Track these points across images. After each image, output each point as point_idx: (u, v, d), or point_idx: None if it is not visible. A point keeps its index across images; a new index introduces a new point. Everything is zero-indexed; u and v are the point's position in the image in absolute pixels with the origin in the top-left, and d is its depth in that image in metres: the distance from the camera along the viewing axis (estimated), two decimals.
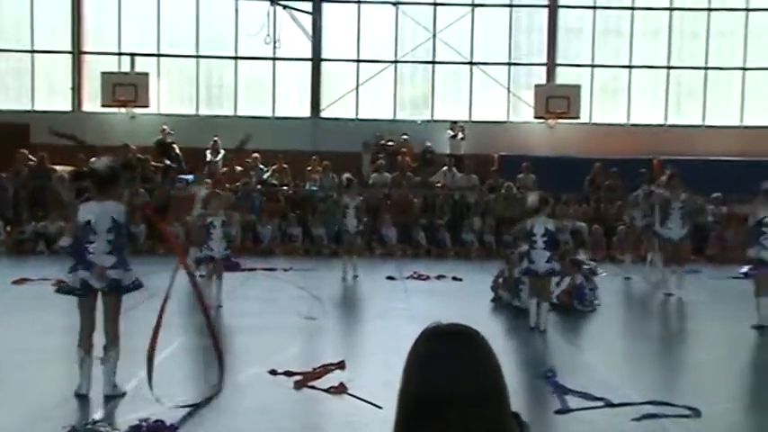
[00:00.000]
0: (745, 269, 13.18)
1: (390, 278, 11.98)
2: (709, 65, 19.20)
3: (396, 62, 19.20)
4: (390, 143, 18.23)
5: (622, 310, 10.59)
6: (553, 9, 19.07)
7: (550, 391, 5.99)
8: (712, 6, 19.07)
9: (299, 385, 5.98)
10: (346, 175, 13.14)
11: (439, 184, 17.21)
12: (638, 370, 7.15)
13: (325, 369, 6.38)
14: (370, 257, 14.75)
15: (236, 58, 19.08)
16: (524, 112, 19.03)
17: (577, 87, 18.51)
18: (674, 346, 8.37)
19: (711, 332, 8.69)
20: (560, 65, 19.22)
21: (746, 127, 19.05)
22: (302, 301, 9.88)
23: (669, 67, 19.29)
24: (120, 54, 18.88)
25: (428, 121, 19.05)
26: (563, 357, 7.43)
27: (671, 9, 19.14)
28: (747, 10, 19.04)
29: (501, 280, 10.03)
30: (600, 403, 5.62)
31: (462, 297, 10.83)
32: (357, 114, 19.21)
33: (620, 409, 5.51)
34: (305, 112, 19.20)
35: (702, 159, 17.31)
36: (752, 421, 5.72)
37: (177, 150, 17.65)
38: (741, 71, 19.18)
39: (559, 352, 7.71)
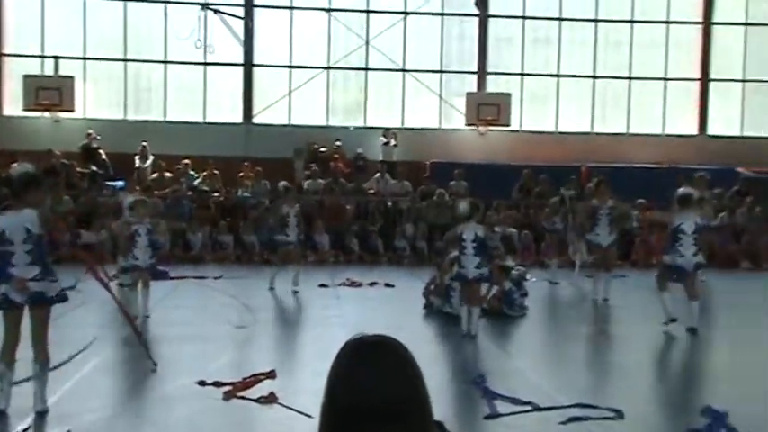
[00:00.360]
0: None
1: (323, 285, 11.93)
2: (632, 75, 19.81)
3: (328, 68, 19.19)
4: (323, 149, 18.19)
5: (551, 315, 10.80)
6: (483, 18, 19.38)
7: (480, 396, 6.05)
8: (635, 18, 19.69)
9: (228, 396, 5.89)
10: (283, 183, 12.98)
11: (372, 191, 17.26)
12: (566, 373, 7.29)
13: (256, 379, 6.30)
14: (302, 264, 14.66)
15: (165, 62, 18.75)
16: (456, 120, 19.26)
17: (507, 95, 18.85)
18: (601, 349, 8.56)
19: (637, 335, 8.92)
20: (491, 73, 19.54)
21: (668, 135, 19.71)
22: (233, 309, 9.74)
23: (595, 77, 19.82)
24: (43, 57, 18.32)
25: (361, 128, 19.09)
26: (493, 362, 7.52)
27: (596, 20, 19.68)
28: (668, 22, 19.72)
29: (433, 286, 10.09)
30: (528, 407, 5.71)
31: (394, 303, 10.87)
32: (290, 120, 19.12)
33: (547, 412, 5.61)
34: (237, 117, 19.01)
35: (627, 166, 17.84)
36: (674, 423, 5.89)
37: (104, 156, 17.22)
38: (663, 81, 19.85)
39: (489, 357, 7.80)
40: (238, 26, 18.74)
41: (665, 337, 8.75)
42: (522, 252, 15.01)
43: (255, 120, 18.95)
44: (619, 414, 5.53)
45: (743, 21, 19.87)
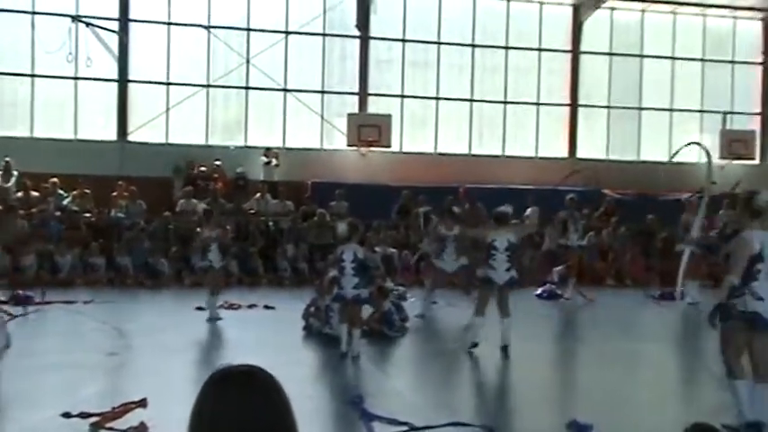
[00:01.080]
0: (538, 291, 14.18)
1: (200, 308, 11.61)
2: (507, 99, 20.55)
3: (208, 86, 18.84)
4: (203, 169, 17.81)
5: (430, 335, 10.93)
6: (364, 40, 19.61)
7: (358, 417, 6.05)
8: (510, 45, 20.47)
9: (95, 427, 5.63)
10: (203, 206, 12.54)
11: (252, 211, 17.02)
12: (443, 393, 7.40)
13: (126, 408, 6.04)
14: (179, 287, 14.28)
15: (32, 75, 17.85)
16: (337, 140, 19.33)
17: (388, 117, 19.10)
18: (478, 368, 8.73)
19: (513, 352, 9.14)
20: (372, 94, 19.75)
21: (541, 158, 20.53)
22: (104, 335, 9.33)
23: (472, 100, 20.41)
24: None
25: (241, 147, 18.83)
26: (371, 383, 7.54)
27: (473, 45, 20.31)
28: (540, 50, 20.62)
29: (313, 308, 10.03)
30: (404, 428, 5.75)
31: (274, 326, 10.73)
32: (167, 138, 18.59)
33: None
34: (111, 135, 18.31)
35: (503, 187, 18.42)
36: None
37: None
38: (535, 106, 20.70)
39: (368, 378, 7.82)
40: (113, 40, 18.10)
41: (536, 354, 9.05)
42: (403, 272, 15.18)
43: (130, 137, 18.32)
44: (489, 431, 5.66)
45: (608, 51, 21.04)
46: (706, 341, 8.31)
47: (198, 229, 12.24)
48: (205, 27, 18.68)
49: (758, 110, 21.88)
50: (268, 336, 9.94)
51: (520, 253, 8.75)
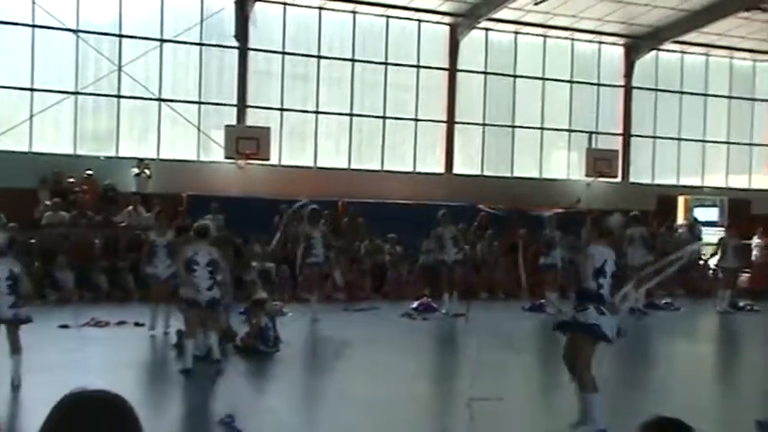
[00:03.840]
0: (414, 305, 14.35)
1: (64, 326, 11.01)
2: (386, 114, 20.77)
3: (76, 93, 18.00)
4: (71, 179, 16.96)
5: (306, 351, 10.82)
6: (243, 51, 19.33)
7: None
8: (389, 61, 20.73)
9: None
10: (154, 213, 11.85)
11: (123, 224, 16.36)
12: (317, 409, 7.32)
13: None
14: (42, 304, 13.48)
15: None
16: (215, 152, 18.91)
17: (267, 129, 18.85)
18: (355, 382, 8.68)
19: (387, 367, 9.20)
20: (250, 106, 19.47)
21: (418, 173, 20.87)
22: None
23: (352, 115, 20.51)
24: None
25: (112, 158, 18.09)
26: (243, 400, 7.35)
27: (353, 60, 20.43)
28: (418, 67, 20.99)
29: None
30: None
31: (142, 344, 10.32)
32: (31, 147, 17.61)
33: None
34: None
35: (381, 202, 18.59)
36: None
37: None
38: (414, 122, 21.03)
39: (240, 395, 7.63)
40: None
41: (413, 367, 9.13)
42: (280, 287, 14.99)
43: None
44: None
45: (483, 69, 21.69)
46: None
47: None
48: (73, 31, 17.86)
49: (620, 131, 23.14)
50: (136, 354, 9.54)
51: (219, 269, 8.35)
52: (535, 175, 22.10)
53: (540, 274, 14.48)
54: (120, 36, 18.31)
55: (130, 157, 17.94)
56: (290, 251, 14.26)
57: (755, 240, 18.77)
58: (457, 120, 21.39)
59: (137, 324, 11.51)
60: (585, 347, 6.02)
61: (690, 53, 23.49)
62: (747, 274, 17.76)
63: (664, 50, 23.05)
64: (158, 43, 18.59)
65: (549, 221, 14.74)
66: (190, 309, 8.42)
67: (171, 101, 18.74)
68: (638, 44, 22.55)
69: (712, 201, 22.52)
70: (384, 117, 20.72)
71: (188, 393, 7.77)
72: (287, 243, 15.42)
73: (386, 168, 20.65)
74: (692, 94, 23.74)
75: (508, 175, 21.75)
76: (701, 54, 23.65)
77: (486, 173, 21.58)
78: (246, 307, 8.58)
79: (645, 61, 22.92)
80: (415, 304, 14.13)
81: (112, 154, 18.24)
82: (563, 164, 22.73)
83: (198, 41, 19.01)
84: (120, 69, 18.22)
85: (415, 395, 7.92)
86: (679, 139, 23.69)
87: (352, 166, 20.40)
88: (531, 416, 7.09)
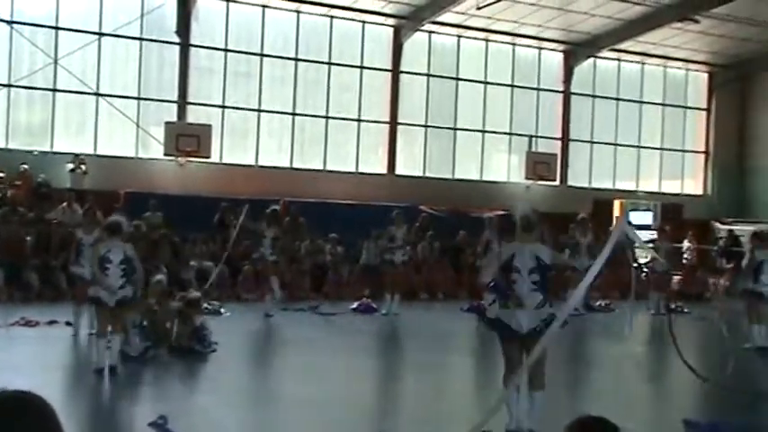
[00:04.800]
0: (354, 305, 14.35)
1: None
2: (329, 114, 20.72)
3: (9, 86, 17.48)
4: (0, 174, 16.45)
5: (242, 351, 10.71)
6: (185, 47, 19.05)
7: None
8: (332, 61, 20.70)
9: None
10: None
11: (55, 221, 15.93)
12: (252, 410, 7.26)
13: None
14: None
15: None
16: (154, 149, 18.58)
17: (208, 127, 18.62)
18: (290, 382, 8.63)
19: (323, 367, 9.17)
20: (191, 103, 19.20)
21: (361, 173, 20.88)
22: None
23: (294, 114, 20.40)
24: None
25: (47, 153, 17.61)
26: (177, 401, 7.24)
27: (296, 59, 20.33)
28: (361, 67, 21.01)
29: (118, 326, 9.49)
30: None
31: (73, 344, 10.08)
32: None
33: None
34: None
35: (323, 202, 18.54)
36: None
37: None
38: (356, 122, 21.04)
39: (173, 396, 7.52)
40: None
41: (350, 368, 9.12)
42: (219, 286, 14.80)
43: None
44: None
45: (426, 72, 21.83)
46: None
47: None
48: (7, 22, 17.35)
49: (559, 135, 23.57)
50: (67, 355, 9.32)
51: (132, 267, 8.20)
52: (476, 177, 22.35)
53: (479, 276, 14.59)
54: (57, 28, 17.85)
55: (66, 153, 17.51)
56: (247, 248, 14.03)
57: (686, 244, 19.34)
58: (400, 121, 21.48)
59: (68, 324, 11.17)
60: (501, 343, 6.17)
61: (626, 61, 24.08)
62: (678, 277, 18.28)
63: (601, 58, 23.57)
64: (96, 37, 18.18)
65: (489, 223, 14.89)
66: (98, 308, 8.24)
67: (109, 95, 18.35)
68: (576, 51, 23.01)
69: (646, 205, 23.11)
70: (327, 117, 20.68)
71: (118, 395, 7.62)
72: (241, 241, 15.24)
73: (328, 168, 20.62)
74: (627, 101, 24.33)
75: (450, 176, 21.94)
76: (637, 62, 24.28)
77: (428, 174, 21.73)
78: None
79: (583, 68, 23.40)
80: (354, 305, 14.13)
81: (47, 149, 17.78)
82: (503, 166, 23.04)
83: (138, 36, 18.66)
84: (56, 62, 17.76)
85: (350, 395, 7.92)
86: (615, 145, 24.26)
87: (294, 166, 20.31)
88: (465, 415, 7.16)
